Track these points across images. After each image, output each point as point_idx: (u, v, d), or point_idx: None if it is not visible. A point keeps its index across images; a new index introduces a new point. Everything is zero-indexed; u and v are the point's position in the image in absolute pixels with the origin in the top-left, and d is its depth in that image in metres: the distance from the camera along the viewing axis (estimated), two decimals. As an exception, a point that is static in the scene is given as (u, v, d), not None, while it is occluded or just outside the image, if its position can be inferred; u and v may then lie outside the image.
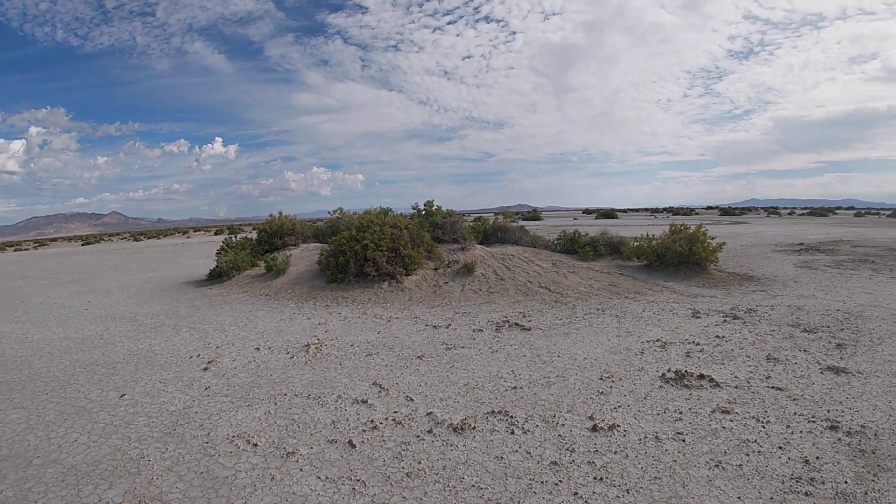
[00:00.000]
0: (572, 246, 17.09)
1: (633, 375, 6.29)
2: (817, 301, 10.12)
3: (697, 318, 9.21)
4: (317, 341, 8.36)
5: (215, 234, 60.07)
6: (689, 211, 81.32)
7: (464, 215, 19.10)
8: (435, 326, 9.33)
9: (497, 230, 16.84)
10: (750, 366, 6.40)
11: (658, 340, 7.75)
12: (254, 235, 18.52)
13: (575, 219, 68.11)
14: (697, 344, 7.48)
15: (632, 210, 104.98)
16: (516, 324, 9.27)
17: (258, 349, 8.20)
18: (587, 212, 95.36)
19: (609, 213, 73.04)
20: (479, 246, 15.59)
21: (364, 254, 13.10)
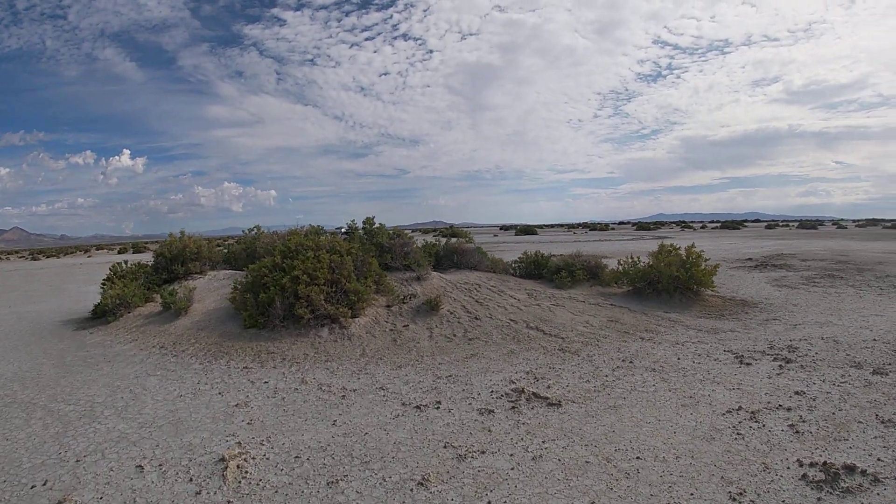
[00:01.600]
0: (537, 270, 15.04)
1: (767, 484, 4.21)
2: (842, 329, 9.44)
3: (747, 364, 7.62)
4: (238, 451, 5.30)
5: (119, 252, 53.21)
6: (604, 226, 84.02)
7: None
8: (418, 406, 6.55)
9: (452, 253, 14.35)
10: (876, 437, 5.06)
11: (739, 409, 5.92)
12: (142, 260, 14.62)
13: (495, 235, 67.67)
14: (787, 409, 5.93)
15: (547, 226, 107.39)
16: (535, 394, 6.75)
17: (141, 468, 5.01)
18: (504, 228, 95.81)
19: (528, 230, 73.31)
20: (435, 273, 12.99)
21: (294, 289, 10.04)
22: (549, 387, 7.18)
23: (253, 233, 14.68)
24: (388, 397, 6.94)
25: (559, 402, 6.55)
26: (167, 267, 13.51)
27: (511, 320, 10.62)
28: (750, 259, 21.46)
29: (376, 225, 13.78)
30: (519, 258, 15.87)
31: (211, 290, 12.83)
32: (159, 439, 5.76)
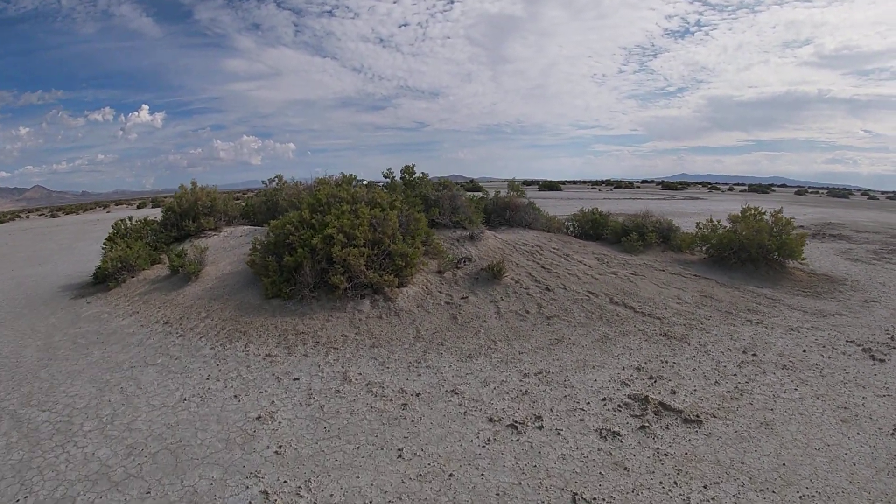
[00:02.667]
0: (595, 230, 12.83)
1: None
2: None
3: (881, 361, 6.21)
4: (264, 515, 3.45)
5: (138, 207, 51.77)
6: (629, 184, 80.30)
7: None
8: (513, 425, 4.57)
9: (503, 208, 12.14)
10: None
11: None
12: (158, 216, 12.76)
13: None
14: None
15: (570, 182, 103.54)
16: (662, 405, 4.91)
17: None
18: (527, 183, 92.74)
19: (552, 185, 70.14)
20: (488, 232, 10.86)
21: (327, 252, 8.03)
22: (673, 392, 5.30)
23: (274, 183, 12.60)
24: (467, 407, 5.00)
25: (697, 417, 4.80)
26: (177, 223, 11.61)
27: (589, 293, 8.54)
28: (801, 226, 19.06)
29: (417, 174, 11.56)
30: (574, 216, 13.61)
31: (227, 249, 10.90)
32: (151, 480, 3.93)
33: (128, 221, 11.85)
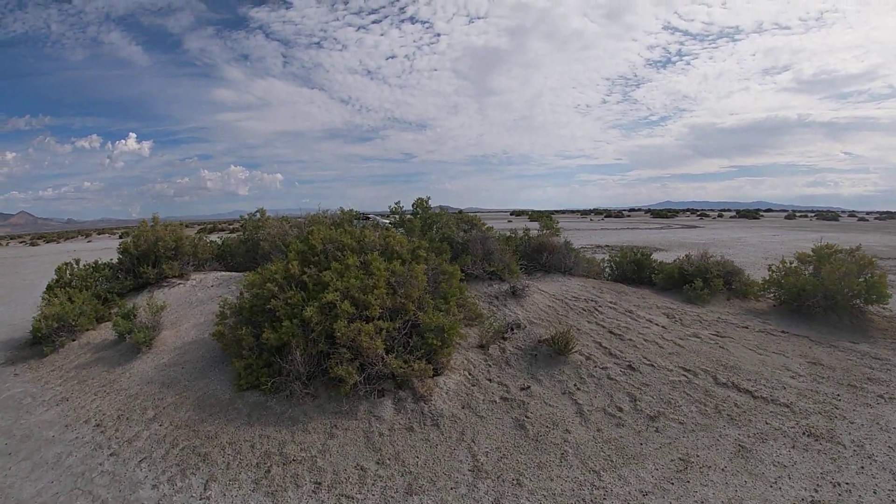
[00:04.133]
0: (638, 273, 10.56)
1: None
2: None
3: None
4: None
5: (120, 236, 48.14)
6: (619, 213, 78.89)
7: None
8: None
9: (538, 250, 9.75)
10: None
11: None
12: (116, 257, 10.06)
13: (509, 220, 63.54)
14: None
15: (557, 211, 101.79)
16: None
17: None
18: (516, 213, 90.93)
19: (542, 216, 68.58)
20: (530, 284, 8.45)
21: (327, 327, 5.55)
22: None
23: (255, 217, 10.06)
24: None
25: None
26: (134, 269, 9.03)
27: (683, 369, 6.17)
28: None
29: (434, 208, 9.15)
30: (613, 258, 11.30)
31: (193, 304, 8.30)
32: None
33: (74, 265, 9.20)
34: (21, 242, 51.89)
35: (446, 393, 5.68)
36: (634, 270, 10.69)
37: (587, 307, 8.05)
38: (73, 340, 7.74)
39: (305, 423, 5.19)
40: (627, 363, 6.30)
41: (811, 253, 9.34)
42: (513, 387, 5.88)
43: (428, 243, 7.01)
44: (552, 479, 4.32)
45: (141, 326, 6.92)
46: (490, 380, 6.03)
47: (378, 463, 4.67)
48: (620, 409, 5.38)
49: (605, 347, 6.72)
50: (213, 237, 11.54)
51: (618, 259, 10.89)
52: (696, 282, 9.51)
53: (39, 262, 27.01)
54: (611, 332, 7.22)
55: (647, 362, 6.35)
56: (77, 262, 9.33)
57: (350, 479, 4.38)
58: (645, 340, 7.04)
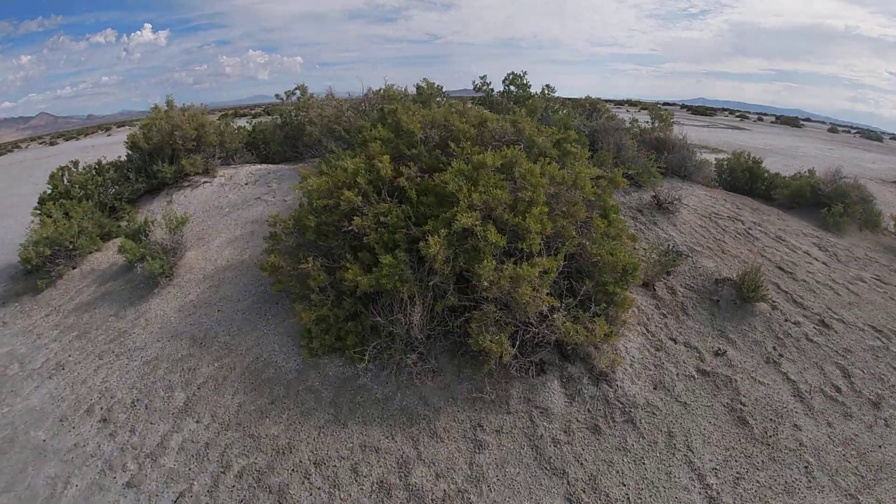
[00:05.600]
0: (751, 184, 7.84)
1: None
2: None
3: None
4: None
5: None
6: (653, 105, 71.37)
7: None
8: None
9: (657, 148, 6.90)
10: None
11: None
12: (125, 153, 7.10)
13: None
14: None
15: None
16: None
17: None
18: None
19: (648, 105, 61.34)
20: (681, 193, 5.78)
21: (456, 266, 3.04)
22: None
23: (295, 96, 7.02)
24: None
25: None
26: (145, 168, 6.30)
27: (873, 329, 4.10)
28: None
29: (534, 89, 6.14)
30: (724, 162, 8.43)
31: (224, 210, 5.66)
32: None
33: (72, 170, 6.36)
34: (41, 143, 46.61)
35: (630, 366, 3.33)
36: (748, 180, 7.95)
37: (737, 229, 5.50)
38: (74, 268, 5.28)
39: (431, 422, 2.91)
40: (817, 317, 4.06)
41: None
42: (704, 351, 3.59)
43: (564, 129, 4.21)
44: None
45: (155, 249, 4.36)
46: (674, 339, 3.68)
47: (568, 501, 2.43)
48: (839, 390, 3.41)
49: (784, 291, 4.34)
50: (241, 122, 8.50)
51: (730, 164, 8.08)
52: (835, 206, 6.80)
53: (58, 162, 23.37)
54: (779, 269, 4.76)
55: (836, 316, 4.13)
56: (75, 164, 6.50)
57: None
58: (817, 283, 4.65)
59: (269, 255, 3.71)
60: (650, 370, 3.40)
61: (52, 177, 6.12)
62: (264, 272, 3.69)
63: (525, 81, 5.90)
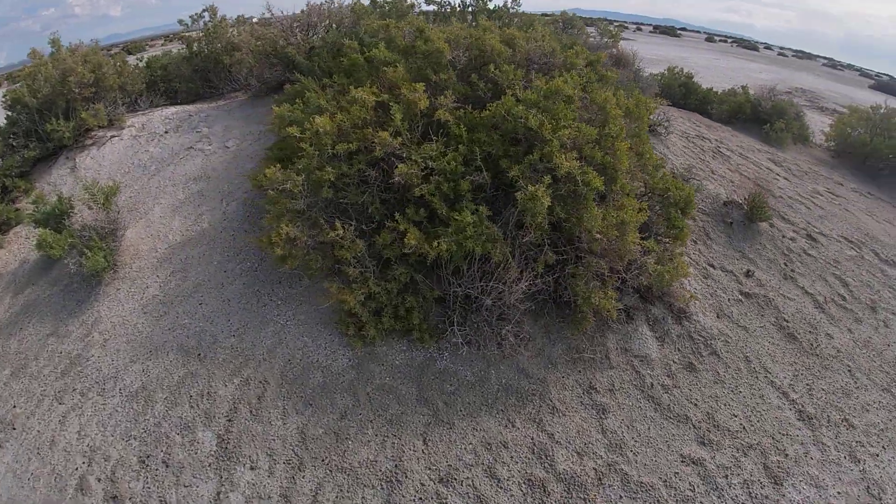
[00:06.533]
0: (685, 99, 7.96)
1: None
2: None
3: None
4: None
5: None
6: (601, 21, 66.07)
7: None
8: None
9: (615, 64, 6.42)
10: None
11: None
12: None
13: None
14: None
15: None
16: None
17: None
18: None
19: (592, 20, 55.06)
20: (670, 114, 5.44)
21: (559, 219, 2.37)
22: None
23: (202, 21, 5.07)
24: None
25: None
26: (34, 128, 4.16)
27: (846, 240, 4.47)
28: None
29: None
30: (659, 76, 8.33)
31: (149, 169, 4.07)
32: None
33: None
34: None
35: (699, 299, 3.08)
36: (683, 95, 7.98)
37: (710, 148, 5.45)
38: None
39: (544, 396, 2.50)
40: (804, 231, 4.31)
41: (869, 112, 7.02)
42: (738, 273, 3.51)
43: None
44: (867, 410, 2.74)
45: (89, 237, 2.93)
46: (712, 265, 3.54)
47: (701, 444, 2.20)
48: (844, 298, 3.62)
49: (772, 209, 4.40)
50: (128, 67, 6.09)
51: (665, 80, 7.98)
52: (776, 123, 7.02)
53: None
54: (758, 186, 4.83)
55: (816, 230, 4.45)
56: None
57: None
58: (790, 198, 4.87)
59: (276, 222, 2.62)
60: (709, 299, 3.20)
61: None
62: (279, 262, 2.62)
63: None
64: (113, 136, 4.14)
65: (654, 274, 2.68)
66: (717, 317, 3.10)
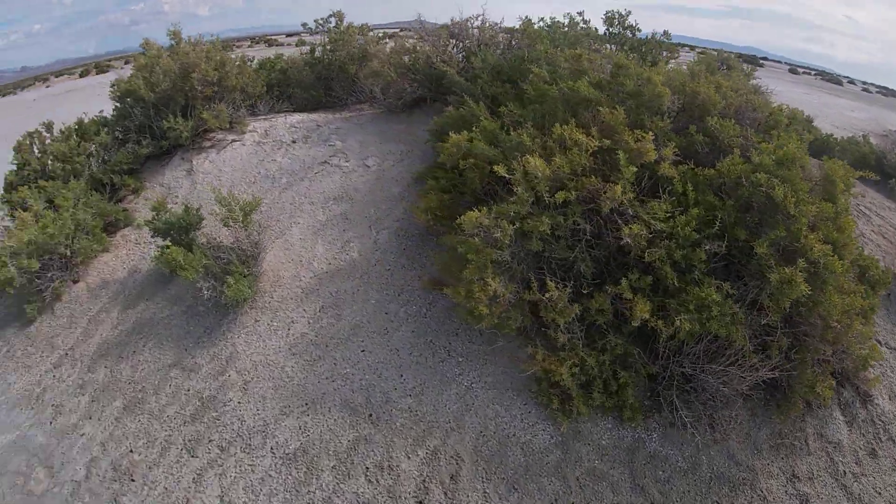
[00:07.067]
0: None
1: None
2: None
3: None
4: None
5: (80, 76, 28.73)
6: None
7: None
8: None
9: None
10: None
11: None
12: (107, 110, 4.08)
13: None
14: None
15: None
16: None
17: None
18: None
19: None
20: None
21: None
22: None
23: (330, 24, 4.59)
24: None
25: None
26: (149, 125, 3.65)
27: None
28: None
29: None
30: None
31: (279, 181, 3.62)
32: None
33: (42, 134, 3.56)
34: None
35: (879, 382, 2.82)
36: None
37: (852, 204, 5.03)
38: (76, 282, 3.12)
39: (753, 485, 2.28)
40: None
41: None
42: None
43: None
44: None
45: (228, 260, 2.51)
46: (878, 341, 3.23)
47: None
48: None
49: None
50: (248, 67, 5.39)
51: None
52: None
53: None
54: None
55: None
56: (48, 127, 3.67)
57: None
58: None
59: (479, 275, 2.23)
60: (882, 379, 2.92)
61: (17, 149, 3.48)
62: (476, 305, 2.21)
63: (633, 23, 4.32)
64: (234, 141, 3.68)
65: (857, 358, 2.39)
66: (890, 399, 2.83)
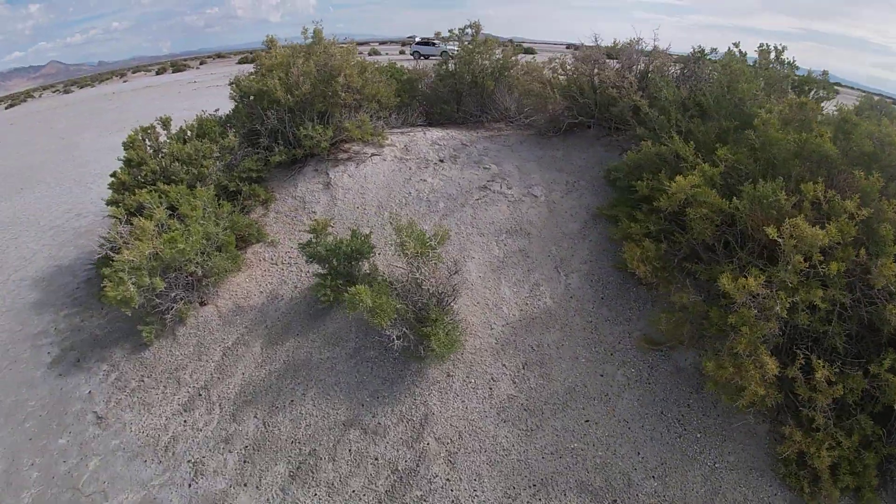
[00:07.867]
0: None
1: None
2: None
3: None
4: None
5: (157, 73, 27.49)
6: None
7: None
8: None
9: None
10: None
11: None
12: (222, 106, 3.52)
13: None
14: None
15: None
16: None
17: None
18: (572, 47, 70.35)
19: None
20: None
21: None
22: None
23: (466, 33, 4.15)
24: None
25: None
26: (282, 130, 3.04)
27: None
28: None
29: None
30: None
31: (438, 203, 3.09)
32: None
33: (157, 130, 2.91)
34: (54, 92, 27.02)
35: None
36: None
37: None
38: (203, 304, 2.51)
39: None
40: None
41: None
42: None
43: None
44: None
45: (426, 307, 2.06)
46: None
47: None
48: None
49: None
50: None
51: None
52: None
53: (76, 111, 13.66)
54: None
55: None
56: (165, 123, 3.00)
57: None
58: None
59: (751, 350, 1.88)
60: None
61: (128, 145, 2.84)
62: (749, 384, 1.86)
63: (791, 59, 3.90)
64: (373, 155, 3.17)
65: None
66: None
